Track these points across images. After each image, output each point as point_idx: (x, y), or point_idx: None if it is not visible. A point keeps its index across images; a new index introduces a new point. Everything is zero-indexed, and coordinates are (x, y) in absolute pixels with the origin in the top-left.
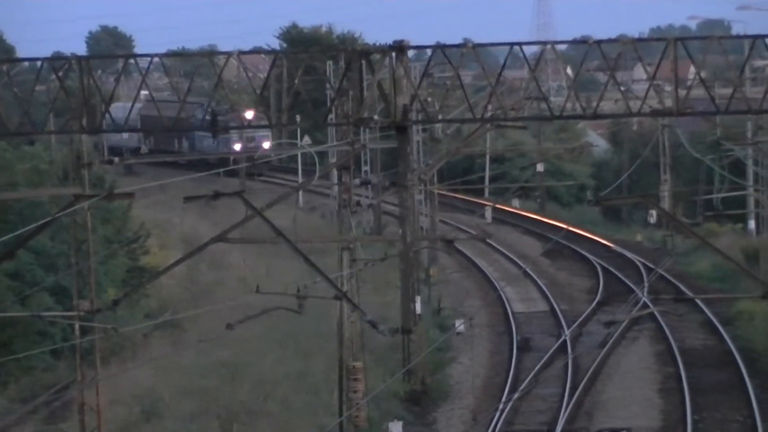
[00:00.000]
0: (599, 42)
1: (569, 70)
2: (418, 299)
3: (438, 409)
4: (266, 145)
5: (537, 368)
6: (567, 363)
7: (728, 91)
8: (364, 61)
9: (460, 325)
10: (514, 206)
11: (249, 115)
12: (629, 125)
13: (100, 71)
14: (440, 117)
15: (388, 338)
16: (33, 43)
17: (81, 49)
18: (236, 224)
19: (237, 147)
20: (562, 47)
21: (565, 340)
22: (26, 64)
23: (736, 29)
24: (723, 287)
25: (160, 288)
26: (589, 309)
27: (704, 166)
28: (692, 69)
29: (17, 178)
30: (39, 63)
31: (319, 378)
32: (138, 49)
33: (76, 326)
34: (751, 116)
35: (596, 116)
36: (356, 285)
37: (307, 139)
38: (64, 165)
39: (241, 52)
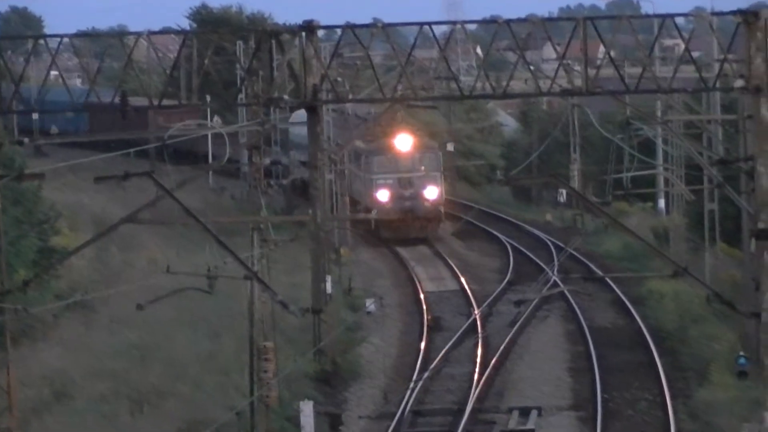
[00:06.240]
0: (509, 21)
1: (479, 50)
2: (328, 279)
3: (349, 389)
4: (432, 193)
5: (447, 347)
6: (477, 342)
7: (637, 70)
8: (274, 42)
9: (370, 304)
10: None
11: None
12: (539, 105)
13: (9, 52)
14: (350, 97)
15: (299, 318)
16: None
17: None
18: (146, 204)
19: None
20: (471, 27)
21: (475, 320)
22: None
23: (645, 9)
24: (633, 266)
25: (70, 269)
26: (500, 288)
27: (614, 146)
28: (602, 48)
29: None
30: None
31: (230, 358)
32: (48, 30)
33: None
34: (661, 95)
35: (506, 96)
36: (267, 265)
37: (217, 120)
38: None
39: (151, 33)
